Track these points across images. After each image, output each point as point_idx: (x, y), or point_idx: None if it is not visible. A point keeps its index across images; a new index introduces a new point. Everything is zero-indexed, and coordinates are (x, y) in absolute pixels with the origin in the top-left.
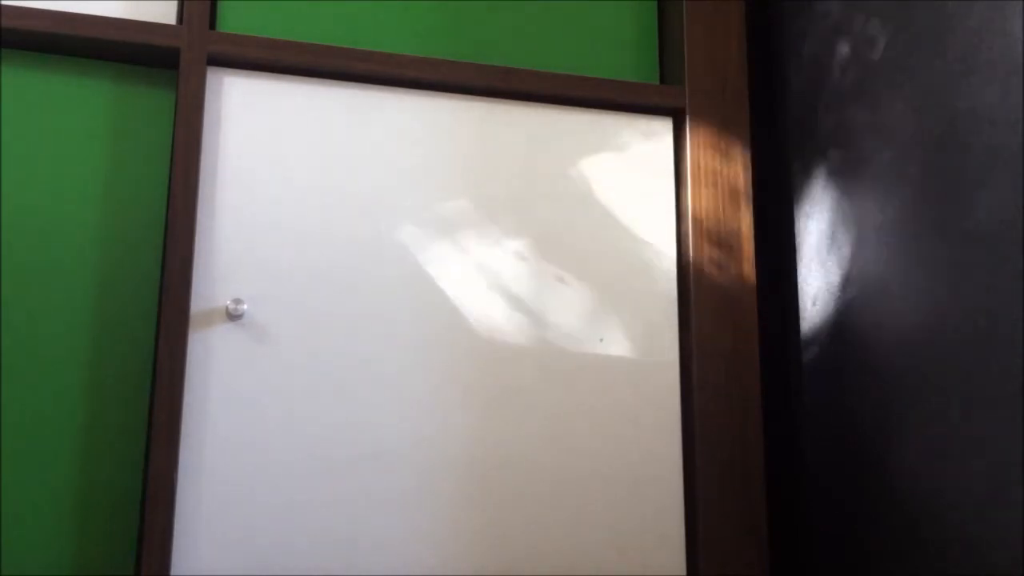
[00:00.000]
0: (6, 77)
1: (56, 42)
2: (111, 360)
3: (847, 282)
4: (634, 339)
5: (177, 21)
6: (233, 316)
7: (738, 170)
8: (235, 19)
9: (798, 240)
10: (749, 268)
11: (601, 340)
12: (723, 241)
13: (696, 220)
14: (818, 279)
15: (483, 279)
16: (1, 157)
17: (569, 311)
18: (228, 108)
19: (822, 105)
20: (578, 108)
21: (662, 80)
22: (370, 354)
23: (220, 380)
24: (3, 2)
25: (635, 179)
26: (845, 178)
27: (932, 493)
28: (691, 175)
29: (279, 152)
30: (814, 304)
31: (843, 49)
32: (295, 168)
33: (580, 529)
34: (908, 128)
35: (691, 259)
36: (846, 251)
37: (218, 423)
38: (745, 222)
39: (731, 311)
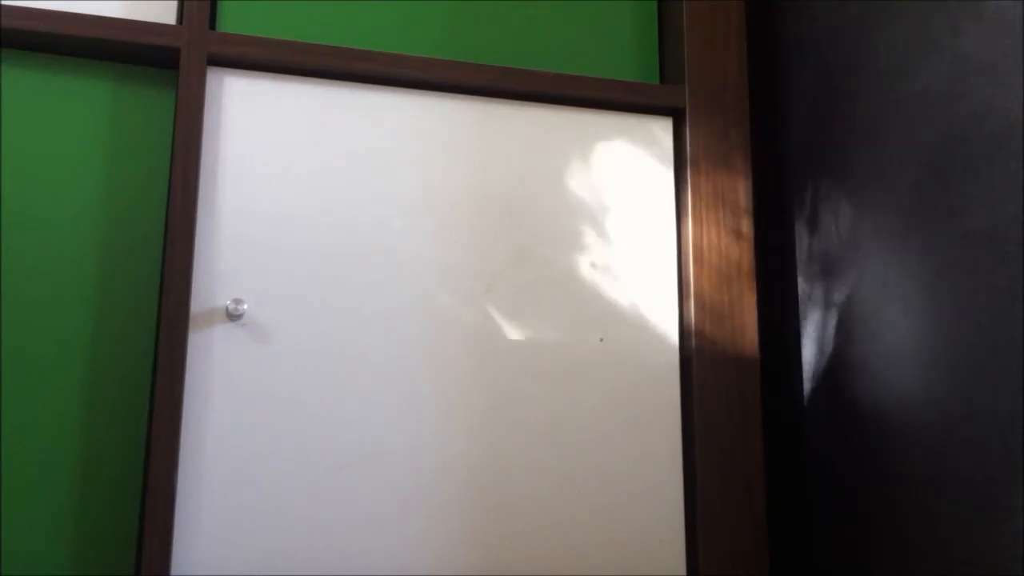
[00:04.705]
0: (6, 77)
1: (56, 42)
2: (111, 360)
3: (847, 281)
4: (634, 339)
5: (177, 21)
6: (233, 316)
7: (738, 170)
8: (235, 19)
9: (798, 240)
10: (749, 267)
11: (601, 340)
12: (722, 240)
13: (696, 220)
14: (818, 277)
15: (482, 279)
16: (1, 157)
17: (569, 311)
18: (228, 108)
19: (822, 105)
20: (578, 108)
21: (662, 80)
22: (370, 354)
23: (220, 380)
24: (3, 2)
25: (635, 179)
26: (845, 178)
27: (932, 494)
28: (691, 175)
29: (279, 152)
30: (814, 303)
31: (843, 49)
32: (295, 168)
33: (580, 529)
34: (908, 128)
35: (691, 258)
36: (846, 251)
37: (218, 423)
38: (745, 222)
39: (731, 311)
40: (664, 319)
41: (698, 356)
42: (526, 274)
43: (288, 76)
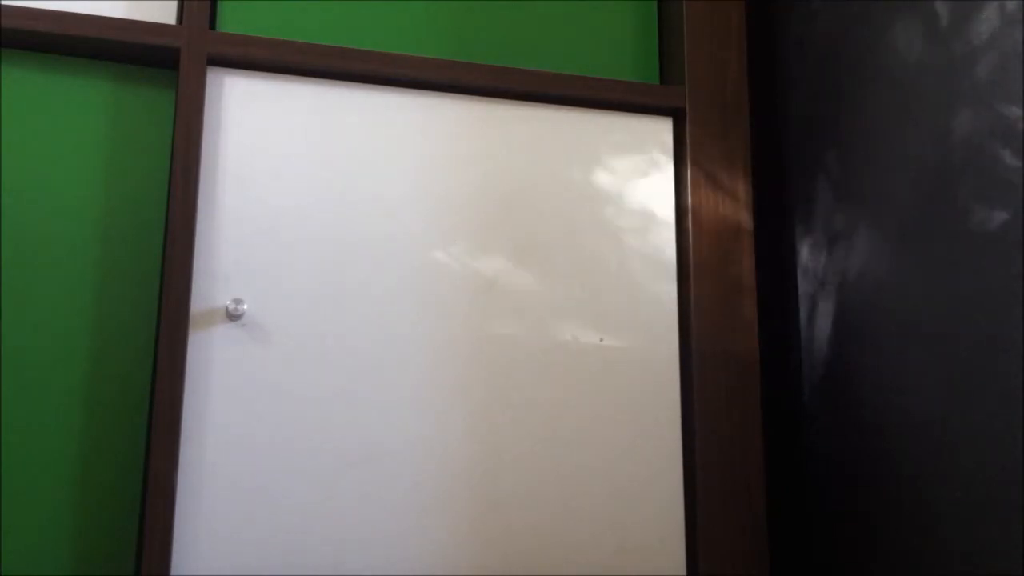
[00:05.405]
0: (6, 77)
1: (56, 42)
2: (111, 360)
3: (847, 281)
4: (634, 339)
5: (177, 21)
6: (233, 316)
7: (738, 170)
8: (235, 19)
9: (797, 239)
10: (749, 267)
11: (601, 340)
12: (723, 240)
13: (696, 219)
14: (818, 278)
15: (482, 279)
16: (1, 157)
17: (569, 311)
18: (228, 108)
19: (822, 105)
20: (578, 108)
21: (662, 80)
22: (370, 354)
23: (220, 380)
24: (3, 2)
25: (635, 179)
26: (845, 178)
27: (933, 494)
28: (691, 175)
29: (279, 152)
30: (814, 302)
31: (843, 49)
32: (295, 168)
33: (580, 529)
34: (908, 128)
35: (691, 258)
36: (846, 250)
37: (218, 423)
38: (744, 222)
39: (731, 310)
40: (664, 319)
41: (698, 356)
42: (526, 274)
43: (288, 76)
